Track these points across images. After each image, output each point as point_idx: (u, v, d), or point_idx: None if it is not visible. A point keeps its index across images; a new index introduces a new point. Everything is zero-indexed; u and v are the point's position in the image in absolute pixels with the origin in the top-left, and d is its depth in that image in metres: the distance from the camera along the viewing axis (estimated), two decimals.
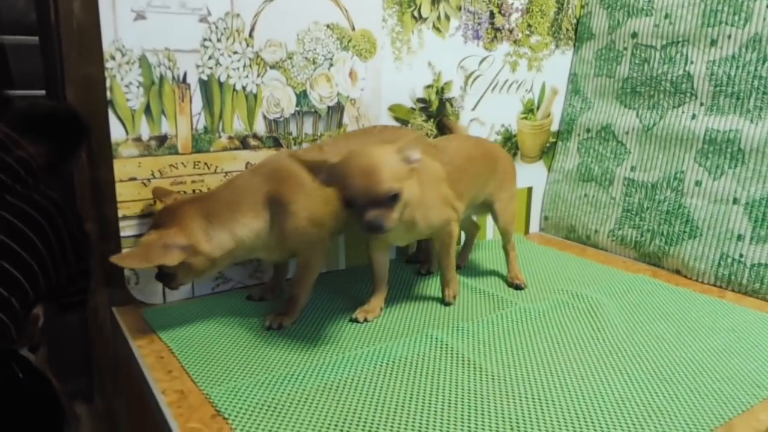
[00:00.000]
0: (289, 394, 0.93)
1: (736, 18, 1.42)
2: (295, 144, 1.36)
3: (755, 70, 1.39)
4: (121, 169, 1.17)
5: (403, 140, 1.05)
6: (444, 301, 1.29)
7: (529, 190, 1.85)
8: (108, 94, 1.12)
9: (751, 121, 1.40)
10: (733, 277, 1.41)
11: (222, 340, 1.11)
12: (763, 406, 0.94)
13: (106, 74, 1.12)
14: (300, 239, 1.16)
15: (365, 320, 1.20)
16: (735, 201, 1.42)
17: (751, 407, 0.93)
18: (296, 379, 0.97)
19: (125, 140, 1.16)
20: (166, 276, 1.11)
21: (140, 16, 1.13)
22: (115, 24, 1.10)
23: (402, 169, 1.02)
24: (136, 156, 1.18)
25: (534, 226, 1.89)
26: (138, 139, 1.17)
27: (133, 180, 1.18)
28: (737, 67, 1.42)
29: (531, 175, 1.84)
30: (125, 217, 1.18)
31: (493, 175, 1.38)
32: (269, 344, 1.10)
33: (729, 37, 1.44)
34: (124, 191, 1.18)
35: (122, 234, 1.18)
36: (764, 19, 1.37)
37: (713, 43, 1.47)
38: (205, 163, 1.25)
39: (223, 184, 1.19)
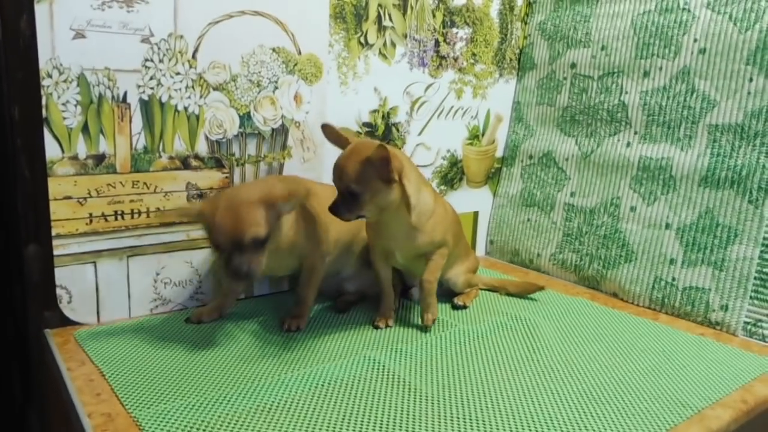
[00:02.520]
0: (219, 417, 0.92)
1: (667, 51, 1.49)
2: (237, 165, 1.36)
3: (684, 100, 1.46)
4: (56, 187, 1.15)
5: None
6: (423, 326, 1.30)
7: (475, 214, 1.88)
8: (44, 111, 1.11)
9: (681, 149, 1.46)
10: (666, 300, 1.45)
11: (156, 362, 1.09)
12: (687, 425, 0.96)
13: (42, 92, 1.11)
14: (313, 239, 1.28)
15: (387, 326, 1.31)
16: (667, 226, 1.47)
17: (674, 426, 0.95)
18: (228, 401, 0.96)
19: (61, 158, 1.15)
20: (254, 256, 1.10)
21: (80, 34, 1.13)
22: (53, 42, 1.10)
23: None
24: (72, 174, 1.16)
25: (480, 250, 1.91)
26: (74, 158, 1.16)
27: (68, 199, 1.16)
28: (668, 98, 1.49)
29: (477, 199, 1.87)
30: (59, 236, 1.16)
31: None
32: (204, 366, 1.08)
33: (660, 69, 1.51)
34: (58, 210, 1.16)
35: (56, 253, 1.16)
36: (692, 53, 1.44)
37: (646, 74, 1.54)
38: (145, 183, 1.25)
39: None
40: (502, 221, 1.88)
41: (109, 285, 1.24)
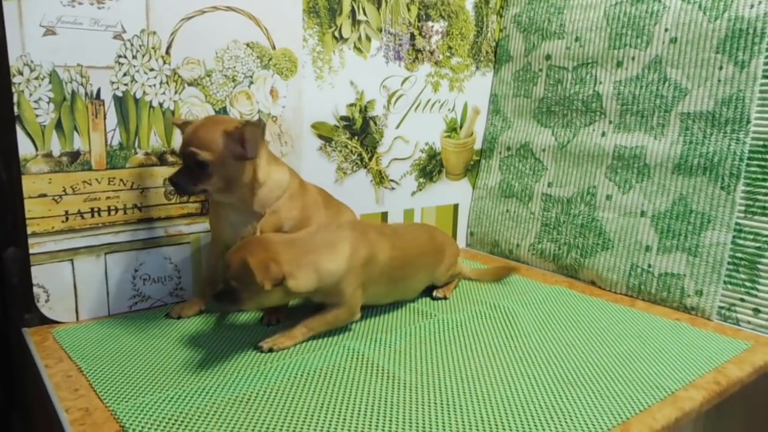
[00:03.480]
0: (198, 408, 0.93)
1: (639, 41, 1.51)
2: None
3: (657, 89, 1.48)
4: (30, 185, 1.15)
5: None
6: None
7: (455, 207, 1.89)
8: (15, 109, 1.11)
9: (655, 137, 1.48)
10: (642, 287, 1.47)
11: (134, 357, 1.09)
12: (660, 406, 0.98)
13: (14, 89, 1.10)
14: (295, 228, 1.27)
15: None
16: (642, 213, 1.49)
17: (648, 407, 0.97)
18: (207, 393, 0.97)
19: (34, 156, 1.14)
20: None
21: (50, 31, 1.12)
22: (23, 39, 1.09)
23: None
24: (46, 172, 1.16)
25: (461, 242, 1.93)
26: (48, 155, 1.16)
27: (43, 197, 1.16)
28: (641, 87, 1.51)
29: (456, 192, 1.88)
30: (35, 234, 1.16)
31: None
32: (182, 360, 1.08)
33: (633, 58, 1.52)
34: (33, 208, 1.15)
35: (32, 251, 1.16)
36: (663, 42, 1.46)
37: (619, 64, 1.55)
38: (121, 180, 1.24)
39: None
40: (481, 213, 1.89)
41: (86, 283, 1.24)
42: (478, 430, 0.89)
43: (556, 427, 0.90)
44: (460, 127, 1.84)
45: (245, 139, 1.12)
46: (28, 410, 1.39)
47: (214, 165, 1.11)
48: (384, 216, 1.71)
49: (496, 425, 0.90)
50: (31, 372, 1.12)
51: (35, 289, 1.18)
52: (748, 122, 1.33)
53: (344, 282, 1.16)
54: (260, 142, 1.16)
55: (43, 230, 1.17)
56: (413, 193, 1.76)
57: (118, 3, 1.18)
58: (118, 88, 1.21)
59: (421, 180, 1.77)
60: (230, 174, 1.14)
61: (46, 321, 1.21)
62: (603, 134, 1.58)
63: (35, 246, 1.17)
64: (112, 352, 1.11)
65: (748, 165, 1.33)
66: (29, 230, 1.16)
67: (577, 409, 0.95)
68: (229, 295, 1.09)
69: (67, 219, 1.19)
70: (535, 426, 0.90)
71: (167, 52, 1.26)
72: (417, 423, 0.90)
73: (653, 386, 1.03)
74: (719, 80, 1.37)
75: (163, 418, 0.89)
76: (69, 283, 1.22)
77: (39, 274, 1.18)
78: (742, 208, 1.34)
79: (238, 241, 1.13)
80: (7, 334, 1.29)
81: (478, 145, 1.91)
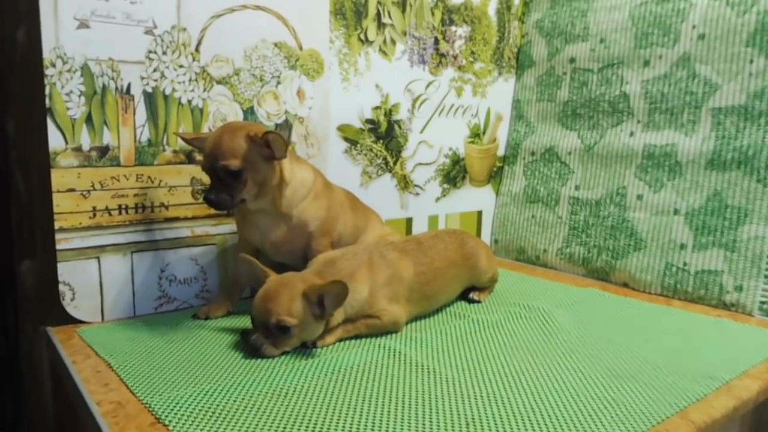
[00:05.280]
0: (234, 401, 0.89)
1: (666, 39, 1.50)
2: None
3: (686, 86, 1.46)
4: (59, 179, 1.12)
5: None
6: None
7: (479, 214, 1.87)
8: (47, 101, 1.09)
9: (686, 134, 1.46)
10: (678, 286, 1.44)
11: (165, 354, 1.05)
12: (716, 395, 0.94)
13: (46, 81, 1.09)
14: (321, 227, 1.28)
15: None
16: (676, 212, 1.46)
17: (704, 396, 0.93)
18: (242, 387, 0.93)
19: (64, 150, 1.12)
20: None
21: (83, 24, 1.11)
22: (57, 31, 1.09)
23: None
24: (75, 166, 1.14)
25: None
26: (78, 149, 1.14)
27: (71, 191, 1.14)
28: (670, 85, 1.50)
29: (480, 199, 1.86)
30: (62, 230, 1.13)
31: None
32: (214, 357, 1.05)
33: (660, 57, 1.52)
34: (61, 202, 1.13)
35: (58, 247, 1.13)
36: (691, 39, 1.46)
37: (646, 63, 1.55)
38: (149, 177, 1.22)
39: None
40: (506, 219, 1.86)
41: (113, 281, 1.21)
42: (530, 420, 0.85)
43: (612, 417, 0.86)
44: (483, 133, 1.82)
45: (270, 141, 1.09)
46: (34, 422, 1.34)
47: (247, 170, 1.09)
48: (408, 222, 1.69)
49: (549, 416, 0.86)
50: (52, 375, 1.08)
51: (61, 287, 1.14)
52: None
53: (368, 303, 1.14)
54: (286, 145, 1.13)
55: (70, 226, 1.14)
56: (437, 199, 1.74)
57: None
58: (147, 84, 1.20)
59: (445, 186, 1.75)
60: (262, 177, 1.12)
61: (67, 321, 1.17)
62: (631, 134, 1.57)
63: (62, 242, 1.14)
64: (142, 349, 1.07)
65: None
66: (57, 225, 1.13)
67: (631, 399, 0.91)
68: (279, 335, 1.04)
69: (94, 215, 1.17)
70: (590, 416, 0.86)
71: (197, 49, 1.25)
72: (464, 414, 0.86)
73: (705, 376, 0.99)
74: (750, 74, 1.36)
75: (200, 410, 0.85)
76: (95, 282, 1.18)
77: (65, 271, 1.15)
78: None
79: (266, 282, 1.10)
80: (18, 349, 1.24)
81: (500, 152, 1.89)
